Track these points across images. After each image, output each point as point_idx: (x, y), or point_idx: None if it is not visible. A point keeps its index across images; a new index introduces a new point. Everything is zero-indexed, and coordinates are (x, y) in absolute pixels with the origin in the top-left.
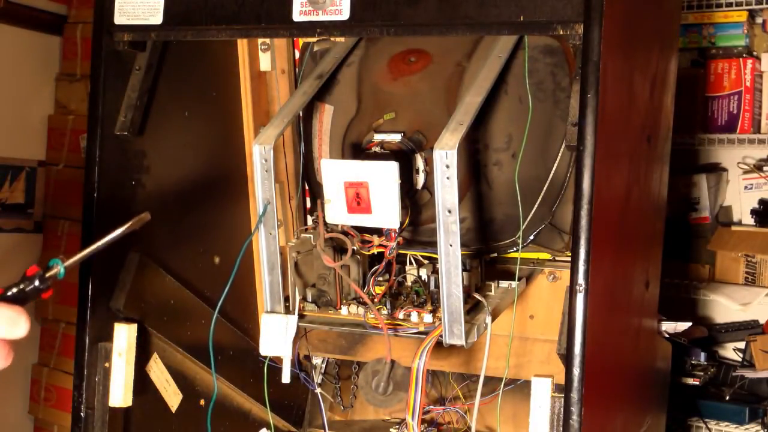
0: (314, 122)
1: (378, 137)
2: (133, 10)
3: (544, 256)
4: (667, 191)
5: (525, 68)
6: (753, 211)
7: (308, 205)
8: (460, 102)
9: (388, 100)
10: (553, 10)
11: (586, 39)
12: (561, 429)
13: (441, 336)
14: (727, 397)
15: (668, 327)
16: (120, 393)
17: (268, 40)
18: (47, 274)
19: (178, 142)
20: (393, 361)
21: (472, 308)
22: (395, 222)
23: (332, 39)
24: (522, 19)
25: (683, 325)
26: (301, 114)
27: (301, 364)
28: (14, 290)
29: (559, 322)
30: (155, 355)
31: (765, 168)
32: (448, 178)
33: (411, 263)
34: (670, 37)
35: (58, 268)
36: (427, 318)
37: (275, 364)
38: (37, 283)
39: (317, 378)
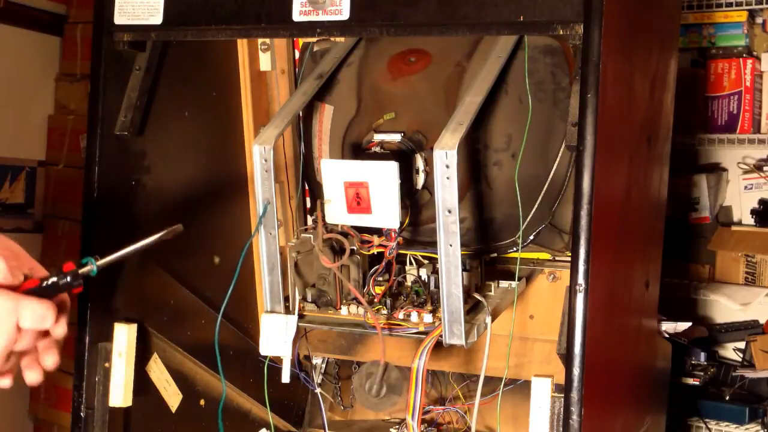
0: (314, 122)
1: (378, 137)
2: (133, 10)
3: (544, 256)
4: (667, 191)
5: (525, 68)
6: (753, 211)
7: (308, 205)
8: (460, 102)
9: (388, 100)
10: (553, 10)
11: (586, 39)
12: (561, 429)
13: (441, 336)
14: (727, 397)
15: (668, 327)
16: (120, 393)
17: (268, 40)
18: (80, 271)
19: (178, 142)
20: (387, 364)
21: (472, 308)
22: (395, 222)
23: (332, 39)
24: (522, 19)
25: (683, 325)
26: (301, 114)
27: (301, 364)
28: (48, 282)
29: (559, 322)
30: (155, 355)
31: (765, 168)
32: (448, 178)
33: (411, 263)
34: (670, 37)
35: (92, 266)
36: (427, 318)
37: (275, 364)
38: (69, 278)
39: (317, 378)
